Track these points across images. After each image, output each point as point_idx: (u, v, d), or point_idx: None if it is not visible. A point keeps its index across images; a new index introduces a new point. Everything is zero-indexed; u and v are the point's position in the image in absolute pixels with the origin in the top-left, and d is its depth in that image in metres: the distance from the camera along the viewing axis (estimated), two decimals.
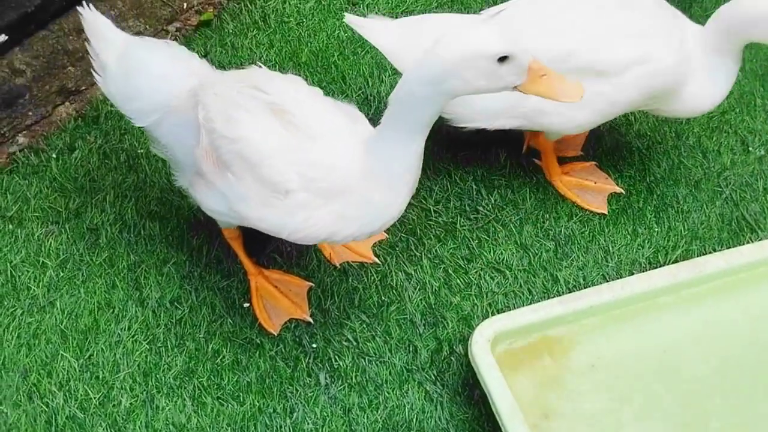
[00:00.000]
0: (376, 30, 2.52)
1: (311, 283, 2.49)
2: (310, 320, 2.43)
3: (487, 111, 2.46)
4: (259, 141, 2.08)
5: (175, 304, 2.45)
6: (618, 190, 2.70)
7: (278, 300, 2.45)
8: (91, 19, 2.32)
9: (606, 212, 2.67)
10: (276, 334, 2.40)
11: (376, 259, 2.52)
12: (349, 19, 2.53)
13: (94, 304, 2.44)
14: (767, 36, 2.34)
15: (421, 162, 2.05)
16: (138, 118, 2.27)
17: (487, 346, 2.25)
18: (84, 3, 2.34)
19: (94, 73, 2.33)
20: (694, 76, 2.45)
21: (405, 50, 2.48)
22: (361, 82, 2.94)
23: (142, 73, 2.25)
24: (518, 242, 2.62)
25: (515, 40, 1.87)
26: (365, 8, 3.16)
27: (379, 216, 2.10)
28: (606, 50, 2.38)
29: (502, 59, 1.87)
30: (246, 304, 2.46)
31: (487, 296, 2.51)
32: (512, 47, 1.87)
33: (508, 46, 1.86)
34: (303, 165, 2.06)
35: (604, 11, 2.44)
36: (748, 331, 2.38)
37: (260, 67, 2.31)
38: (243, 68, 2.35)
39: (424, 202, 2.68)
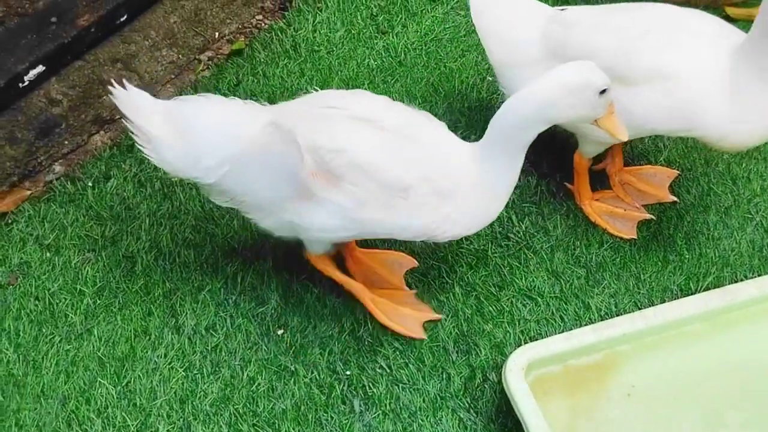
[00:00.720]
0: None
1: (415, 290, 2.55)
2: (441, 316, 2.51)
3: None
4: (366, 146, 2.16)
5: (211, 331, 2.48)
6: (648, 216, 2.71)
7: (400, 310, 2.49)
8: (125, 96, 2.29)
9: (636, 237, 2.68)
10: (425, 338, 2.46)
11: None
12: None
13: (130, 331, 2.47)
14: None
15: (518, 176, 2.25)
16: (206, 176, 2.25)
17: (521, 373, 2.26)
18: (113, 83, 2.30)
19: (141, 148, 2.28)
20: (735, 102, 2.35)
21: (487, 13, 2.62)
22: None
23: (196, 128, 2.24)
24: (549, 269, 2.63)
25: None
26: (394, 36, 3.20)
27: (480, 222, 2.29)
28: (630, 57, 2.40)
29: (603, 92, 2.13)
30: (280, 331, 2.48)
31: (519, 323, 2.52)
32: (609, 82, 2.13)
33: (607, 80, 2.13)
34: (415, 162, 2.17)
35: (648, 22, 2.46)
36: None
37: (317, 90, 2.36)
38: (299, 96, 2.38)
39: None
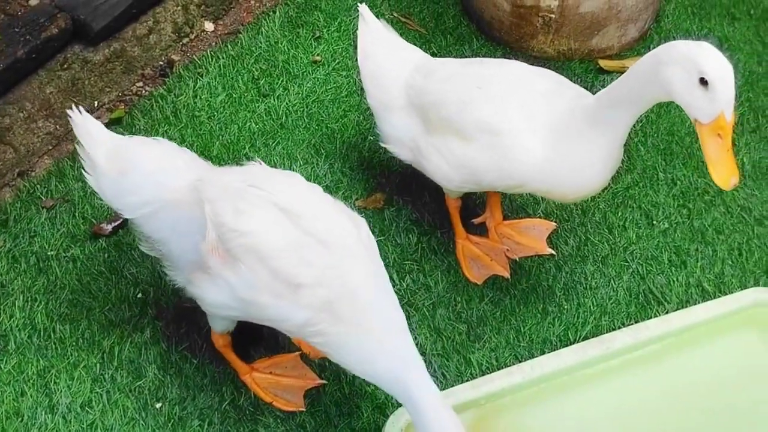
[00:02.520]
0: (371, 29, 2.74)
1: (299, 351, 2.52)
2: (324, 382, 2.48)
3: (394, 137, 2.68)
4: (270, 235, 2.14)
5: (86, 408, 2.42)
6: (505, 275, 2.73)
7: (282, 382, 2.47)
8: (82, 121, 2.39)
9: (479, 283, 2.72)
10: (304, 409, 2.43)
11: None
12: (363, 9, 2.75)
13: (2, 413, 2.40)
14: (663, 87, 2.14)
15: None
16: (128, 211, 2.33)
17: None
18: (74, 107, 2.42)
19: (84, 173, 2.39)
20: (571, 156, 2.37)
21: (371, 57, 2.71)
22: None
23: (137, 169, 2.32)
24: (431, 326, 2.65)
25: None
26: (276, 99, 3.21)
27: (350, 362, 2.20)
28: (465, 110, 2.47)
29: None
30: (158, 404, 2.44)
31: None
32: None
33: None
34: (315, 267, 2.12)
35: (507, 78, 2.53)
36: (657, 405, 2.41)
37: (260, 163, 2.36)
38: (241, 164, 2.38)
39: None
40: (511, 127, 2.42)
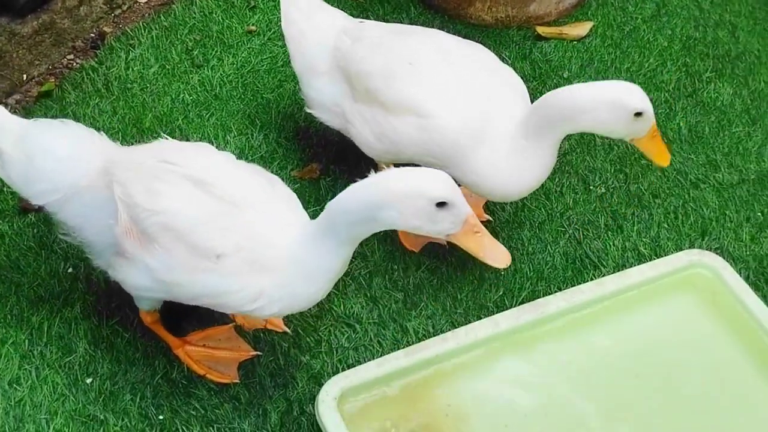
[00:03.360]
0: (295, 10, 2.66)
1: (233, 323, 2.49)
2: (258, 353, 2.44)
3: (319, 102, 2.66)
4: (184, 210, 2.10)
5: (14, 385, 2.37)
6: (442, 242, 2.67)
7: (215, 354, 2.43)
8: None
9: (416, 250, 2.72)
10: (239, 381, 2.40)
11: (286, 329, 2.50)
12: None
13: None
14: (596, 126, 2.34)
15: (346, 265, 2.15)
16: (38, 198, 2.24)
17: (333, 404, 2.23)
18: None
19: None
20: (500, 156, 2.42)
21: (293, 23, 2.66)
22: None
23: (45, 155, 2.23)
24: (368, 295, 2.63)
25: (457, 190, 2.00)
26: (210, 69, 3.16)
27: (296, 304, 2.18)
28: (392, 87, 2.46)
29: (441, 204, 1.96)
30: (89, 380, 2.40)
31: (337, 352, 2.50)
32: (453, 196, 1.97)
33: (449, 193, 1.96)
34: (234, 232, 2.09)
35: (436, 54, 2.51)
36: (591, 368, 2.42)
37: (167, 139, 2.31)
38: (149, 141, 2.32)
39: None
40: (438, 110, 2.42)
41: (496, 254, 2.10)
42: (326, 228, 2.08)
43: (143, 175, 2.15)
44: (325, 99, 2.62)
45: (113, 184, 2.16)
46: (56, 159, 2.23)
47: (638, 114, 2.31)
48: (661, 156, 2.45)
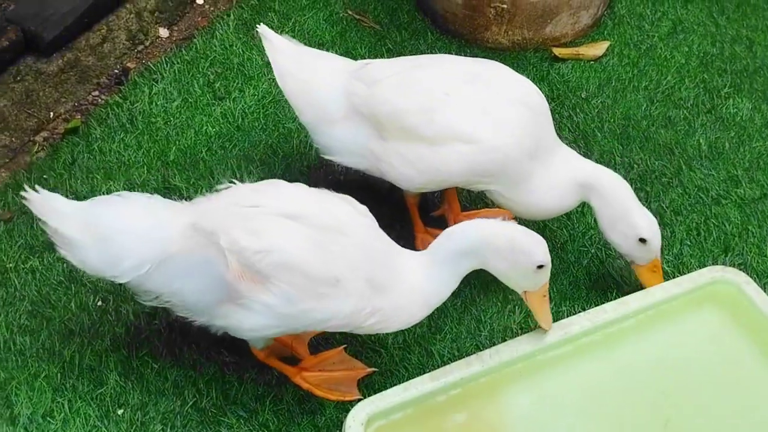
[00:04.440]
0: (277, 48, 2.68)
1: (342, 346, 2.53)
2: (374, 369, 2.51)
3: (340, 148, 2.64)
4: (293, 243, 2.15)
5: (48, 418, 2.41)
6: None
7: (334, 376, 2.49)
8: (40, 200, 2.25)
9: None
10: (361, 396, 2.45)
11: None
12: (263, 29, 2.70)
13: None
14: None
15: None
16: (124, 276, 2.22)
17: (360, 429, 2.25)
18: (26, 188, 2.27)
19: (59, 251, 2.26)
20: (551, 172, 2.56)
21: (288, 75, 2.65)
22: (230, 176, 2.97)
23: (125, 232, 2.22)
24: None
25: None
26: (232, 101, 3.21)
27: (403, 323, 2.31)
28: (434, 120, 2.48)
29: (540, 267, 2.24)
30: (120, 411, 2.44)
31: (363, 378, 2.52)
32: (549, 263, 2.26)
33: (548, 260, 2.25)
34: (346, 254, 2.18)
35: (451, 80, 2.55)
36: (616, 387, 2.42)
37: (235, 183, 2.33)
38: (218, 190, 2.33)
39: None
40: (486, 134, 2.47)
41: (548, 319, 2.40)
42: (445, 257, 2.25)
43: (236, 221, 2.17)
44: (348, 144, 2.60)
45: (213, 236, 2.16)
46: (139, 233, 2.22)
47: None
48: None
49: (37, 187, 2.29)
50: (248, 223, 2.17)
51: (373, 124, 2.56)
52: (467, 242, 2.24)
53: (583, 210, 2.94)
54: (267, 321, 2.20)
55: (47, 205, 2.26)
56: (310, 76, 2.62)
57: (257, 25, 2.72)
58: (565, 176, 2.56)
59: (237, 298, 2.18)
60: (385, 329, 2.29)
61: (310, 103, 2.62)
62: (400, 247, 2.33)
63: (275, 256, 2.13)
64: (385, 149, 2.55)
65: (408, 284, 2.26)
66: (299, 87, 2.62)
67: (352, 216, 2.27)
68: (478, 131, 2.47)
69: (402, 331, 2.60)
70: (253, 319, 2.20)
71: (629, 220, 2.53)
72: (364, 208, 2.33)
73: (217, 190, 2.31)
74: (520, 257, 2.23)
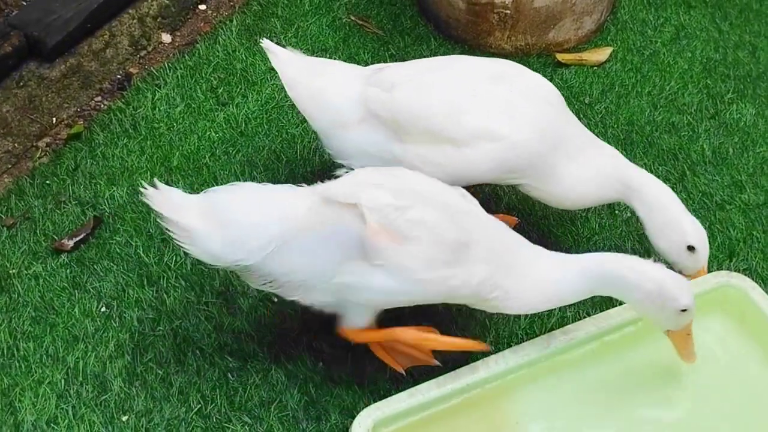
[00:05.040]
0: (283, 60, 2.68)
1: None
2: (437, 364, 2.48)
3: (356, 152, 2.62)
4: (427, 207, 2.21)
5: (52, 425, 2.40)
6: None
7: (401, 349, 2.49)
8: (157, 195, 2.27)
9: None
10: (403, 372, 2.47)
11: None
12: (266, 43, 2.70)
13: None
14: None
15: None
16: (249, 257, 2.24)
17: None
18: (144, 185, 2.30)
19: (179, 244, 2.27)
20: (578, 162, 2.57)
21: (300, 84, 2.64)
22: (233, 181, 2.95)
23: (239, 215, 2.25)
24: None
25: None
26: (235, 107, 3.21)
27: (522, 307, 2.35)
28: (460, 122, 2.48)
29: (684, 310, 2.26)
30: (125, 417, 2.42)
31: (368, 384, 2.51)
32: (693, 306, 2.27)
33: (692, 304, 2.26)
34: (476, 227, 2.26)
35: (475, 81, 2.56)
36: (621, 391, 2.42)
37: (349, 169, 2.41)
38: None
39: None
40: (512, 129, 2.48)
41: (692, 355, 2.38)
42: (586, 272, 2.30)
43: (378, 182, 2.25)
44: (367, 147, 2.58)
45: (351, 197, 2.20)
46: (262, 214, 2.25)
47: (690, 248, 2.52)
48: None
49: (155, 180, 2.31)
50: (389, 183, 2.24)
51: (391, 128, 2.55)
52: (616, 275, 2.28)
53: (587, 215, 2.94)
54: (399, 286, 2.21)
55: (165, 199, 2.28)
56: (322, 83, 2.62)
57: (260, 39, 2.72)
58: (602, 171, 2.57)
59: (373, 258, 2.19)
60: (504, 309, 2.33)
61: (324, 109, 2.61)
62: (529, 242, 2.37)
63: (415, 212, 2.18)
64: (406, 152, 2.54)
65: (534, 274, 2.31)
66: (311, 94, 2.62)
67: (466, 201, 2.34)
68: (504, 129, 2.47)
69: None
70: (385, 282, 2.21)
71: (677, 227, 2.54)
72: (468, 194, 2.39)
73: (335, 176, 2.34)
74: (667, 301, 2.25)
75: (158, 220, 2.31)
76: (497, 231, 2.33)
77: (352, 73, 2.65)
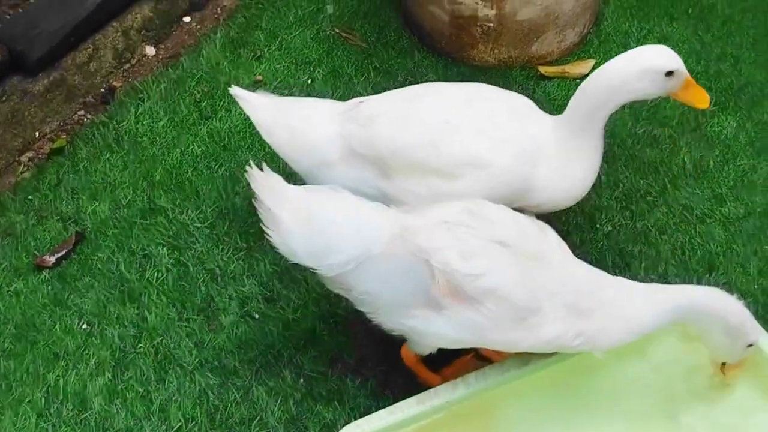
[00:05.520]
0: (255, 105, 2.63)
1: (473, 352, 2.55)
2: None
3: (344, 187, 2.52)
4: (501, 271, 2.18)
5: None
6: None
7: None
8: (261, 177, 2.31)
9: None
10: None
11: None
12: (235, 90, 2.65)
13: None
14: (634, 95, 2.50)
15: None
16: (328, 270, 2.26)
17: None
18: (251, 163, 2.33)
19: (266, 230, 2.28)
20: (556, 166, 2.54)
21: (275, 126, 2.60)
22: (216, 196, 2.97)
23: (329, 223, 2.25)
24: (379, 342, 2.65)
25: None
26: (218, 121, 3.21)
27: (611, 343, 2.31)
28: (441, 149, 2.47)
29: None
30: None
31: (348, 401, 2.52)
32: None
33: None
34: (548, 283, 2.22)
35: (449, 109, 2.55)
36: (598, 404, 2.43)
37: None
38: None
39: (282, 312, 2.70)
40: (495, 155, 2.47)
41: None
42: (668, 303, 2.28)
43: (448, 241, 2.20)
44: (353, 184, 2.52)
45: (423, 252, 2.19)
46: (350, 230, 2.25)
47: (670, 73, 2.44)
48: (701, 101, 2.54)
49: (262, 163, 2.33)
50: (460, 245, 2.20)
51: (374, 164, 2.52)
52: (706, 309, 2.28)
53: (568, 229, 2.95)
54: (464, 336, 2.24)
55: (267, 183, 2.30)
56: (298, 124, 2.57)
57: (229, 88, 2.68)
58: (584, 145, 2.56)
59: (439, 308, 2.21)
60: (594, 349, 2.31)
61: (304, 150, 2.57)
62: (608, 276, 2.36)
63: (485, 281, 2.17)
64: (393, 186, 2.52)
65: (619, 312, 2.28)
66: (289, 136, 2.57)
67: (550, 243, 2.31)
68: (487, 154, 2.46)
69: (388, 352, 2.61)
70: (452, 329, 2.23)
71: (643, 71, 2.45)
72: (554, 234, 2.36)
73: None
74: (741, 336, 2.28)
75: (254, 201, 2.31)
76: (574, 278, 2.29)
77: (327, 111, 2.61)
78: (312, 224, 2.25)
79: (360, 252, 2.23)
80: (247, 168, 2.33)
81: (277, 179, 2.34)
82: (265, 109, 2.61)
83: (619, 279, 2.36)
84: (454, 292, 2.18)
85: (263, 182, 2.31)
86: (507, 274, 2.19)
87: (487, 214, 2.29)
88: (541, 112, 2.63)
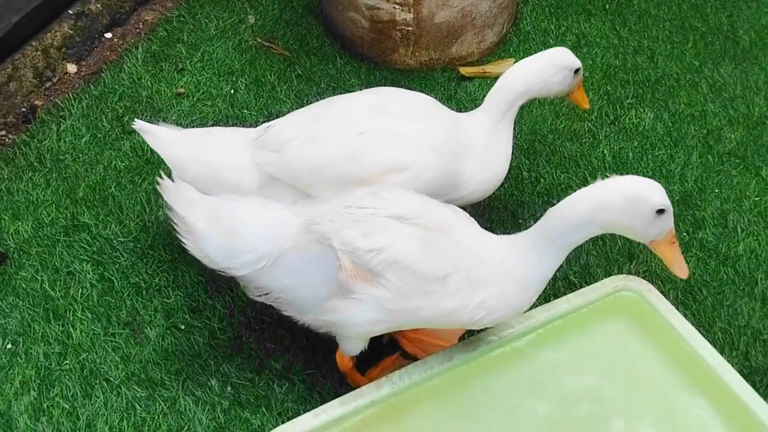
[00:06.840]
0: (163, 139, 2.62)
1: (398, 351, 2.64)
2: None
3: None
4: (403, 243, 2.22)
5: None
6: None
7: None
8: (172, 187, 2.37)
9: None
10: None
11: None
12: (140, 124, 2.64)
13: None
14: (546, 91, 2.65)
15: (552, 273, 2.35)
16: (241, 268, 2.31)
17: None
18: (162, 174, 2.41)
19: (181, 238, 2.35)
20: (472, 159, 2.62)
21: (187, 161, 2.59)
22: (139, 210, 2.97)
23: (245, 226, 2.30)
24: (305, 347, 2.66)
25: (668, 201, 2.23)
26: (140, 135, 3.19)
27: (509, 313, 2.35)
28: (361, 160, 2.50)
29: (660, 212, 2.20)
30: None
31: (276, 406, 2.53)
32: (669, 206, 2.22)
33: (667, 203, 2.21)
34: (450, 254, 2.25)
35: (358, 119, 2.57)
36: (525, 400, 2.46)
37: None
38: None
39: (208, 321, 2.70)
40: (414, 156, 2.51)
41: (682, 266, 2.33)
42: (544, 237, 2.29)
43: (348, 223, 2.25)
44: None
45: (327, 237, 2.24)
46: (259, 228, 2.30)
47: (577, 70, 2.61)
48: (585, 101, 2.76)
49: (173, 174, 2.40)
50: (360, 225, 2.24)
51: (293, 186, 2.54)
52: (580, 215, 2.24)
53: (492, 225, 2.99)
54: (377, 316, 2.27)
55: (178, 193, 2.37)
56: (210, 158, 2.56)
57: (132, 122, 2.68)
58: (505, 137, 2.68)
59: (348, 293, 2.25)
60: (498, 320, 2.35)
61: (224, 183, 2.56)
62: (490, 234, 2.38)
63: (387, 254, 2.21)
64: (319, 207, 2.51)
65: (506, 272, 2.31)
66: (202, 171, 2.56)
67: (452, 216, 2.35)
68: (406, 156, 2.50)
69: (315, 356, 2.63)
70: (365, 312, 2.26)
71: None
72: (462, 211, 2.40)
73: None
74: (638, 206, 2.20)
75: (167, 211, 2.38)
76: (473, 249, 2.31)
77: (237, 139, 2.60)
78: (224, 227, 2.31)
79: (271, 248, 2.28)
80: (158, 179, 2.38)
81: (188, 188, 2.39)
82: (172, 143, 2.60)
83: (499, 238, 2.37)
84: (360, 273, 2.23)
85: (175, 192, 2.37)
86: (408, 245, 2.23)
87: (389, 195, 2.34)
88: (445, 108, 2.69)
